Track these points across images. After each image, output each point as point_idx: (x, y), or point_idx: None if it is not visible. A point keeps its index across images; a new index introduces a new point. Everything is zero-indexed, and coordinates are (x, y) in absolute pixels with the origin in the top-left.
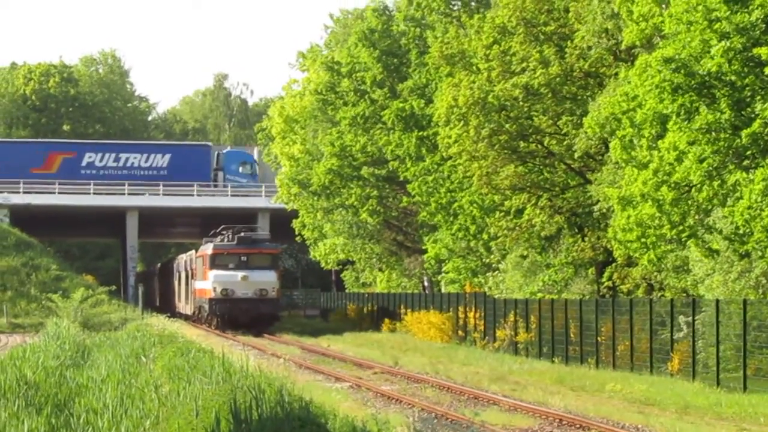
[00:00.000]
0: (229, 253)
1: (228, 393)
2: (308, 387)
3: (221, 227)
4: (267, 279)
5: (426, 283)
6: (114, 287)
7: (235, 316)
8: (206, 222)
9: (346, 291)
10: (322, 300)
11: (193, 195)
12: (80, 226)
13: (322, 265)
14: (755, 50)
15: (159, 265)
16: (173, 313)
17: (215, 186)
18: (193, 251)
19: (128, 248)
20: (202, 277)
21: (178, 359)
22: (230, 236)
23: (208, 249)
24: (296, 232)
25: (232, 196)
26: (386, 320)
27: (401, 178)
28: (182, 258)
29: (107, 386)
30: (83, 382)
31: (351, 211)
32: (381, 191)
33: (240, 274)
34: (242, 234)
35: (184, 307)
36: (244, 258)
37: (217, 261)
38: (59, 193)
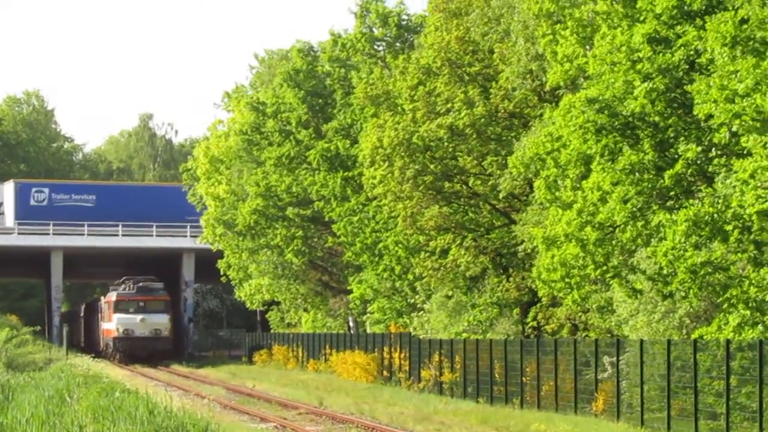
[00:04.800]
0: (130, 300)
1: None
2: (233, 427)
3: (123, 278)
4: (161, 321)
5: (351, 324)
6: (38, 327)
7: (134, 351)
8: (131, 262)
9: (272, 331)
10: (248, 340)
11: (117, 235)
12: (4, 266)
13: (248, 305)
14: (687, 87)
15: (84, 305)
16: (98, 352)
17: None
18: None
19: (53, 288)
20: (108, 319)
21: (102, 400)
22: (131, 285)
23: (113, 296)
24: (221, 272)
25: (157, 236)
26: (311, 360)
27: (326, 219)
28: (103, 299)
29: (32, 427)
30: (8, 423)
31: (276, 251)
32: (306, 231)
33: (139, 317)
34: (141, 284)
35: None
36: (142, 304)
37: (120, 306)
38: None
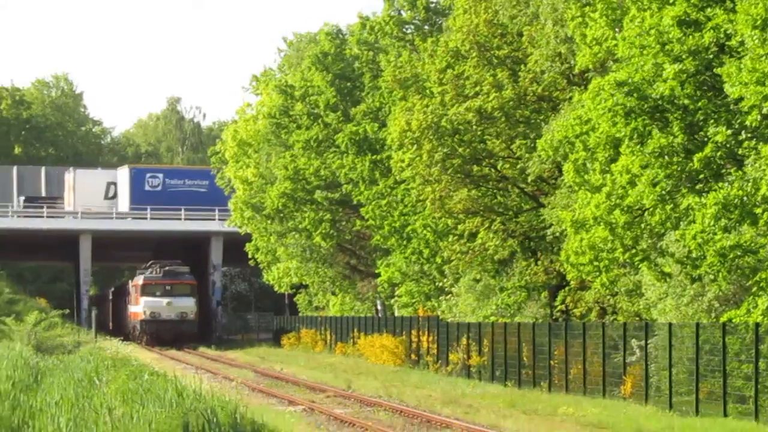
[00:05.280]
0: (157, 283)
1: (181, 416)
2: (261, 410)
3: (150, 262)
4: (187, 304)
5: (379, 307)
6: (67, 311)
7: (161, 334)
8: (159, 246)
9: (300, 314)
10: (276, 323)
11: (146, 218)
12: (33, 250)
13: (276, 288)
14: (717, 69)
15: (112, 288)
16: (126, 335)
17: None
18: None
19: (81, 272)
20: (135, 302)
21: (131, 382)
22: (158, 269)
23: (140, 280)
24: (249, 256)
25: (185, 219)
26: (339, 344)
27: (355, 202)
28: (130, 283)
29: (61, 409)
30: (37, 405)
31: (304, 234)
32: (334, 215)
33: (165, 300)
34: (167, 268)
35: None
36: (168, 287)
37: (147, 290)
38: (12, 216)
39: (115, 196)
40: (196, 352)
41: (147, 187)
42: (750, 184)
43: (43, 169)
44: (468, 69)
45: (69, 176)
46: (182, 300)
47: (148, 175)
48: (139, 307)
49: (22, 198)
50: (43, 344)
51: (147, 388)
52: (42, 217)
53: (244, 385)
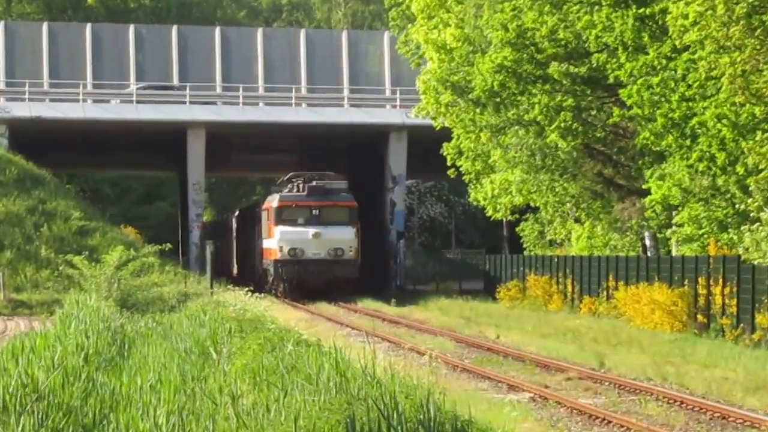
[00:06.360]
0: (298, 206)
1: (344, 408)
2: (467, 399)
3: (289, 174)
4: (343, 236)
5: (648, 242)
6: (168, 246)
7: (304, 280)
8: (311, 146)
9: (526, 253)
10: (488, 267)
11: (290, 105)
12: (117, 153)
13: (489, 213)
14: None
15: (236, 212)
16: (258, 283)
17: None
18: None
19: (190, 186)
20: (267, 234)
21: (266, 356)
22: (300, 185)
23: (274, 200)
24: (448, 163)
25: (350, 106)
26: (586, 298)
27: (610, 80)
28: (262, 205)
29: (159, 397)
30: (122, 391)
31: (533, 130)
32: (579, 99)
33: (311, 230)
34: (314, 182)
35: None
36: (315, 211)
37: (284, 215)
38: (84, 101)
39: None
40: (357, 308)
41: None
42: None
43: (132, 28)
44: None
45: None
46: (336, 230)
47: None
48: (273, 242)
49: (136, 85)
50: (130, 298)
51: (291, 365)
52: (130, 102)
53: (441, 360)
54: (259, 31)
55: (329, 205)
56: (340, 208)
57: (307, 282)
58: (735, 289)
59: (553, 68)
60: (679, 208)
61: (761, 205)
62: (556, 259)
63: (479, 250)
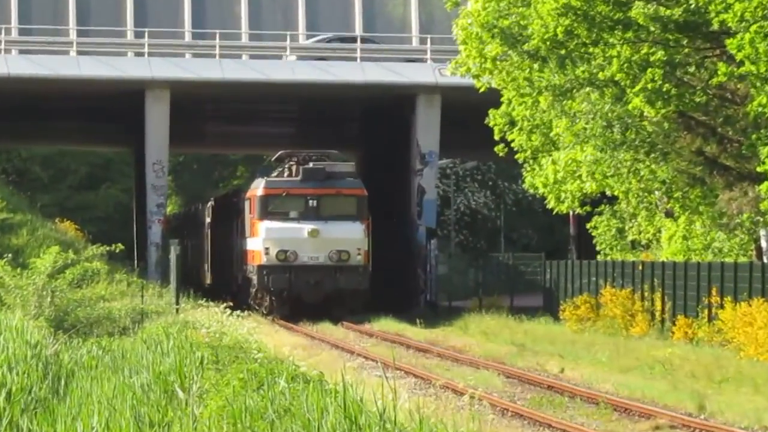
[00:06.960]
0: (290, 195)
1: None
2: None
3: (279, 152)
4: (348, 235)
5: (764, 244)
6: (120, 247)
7: (297, 293)
8: (311, 114)
9: (599, 259)
10: (549, 276)
11: (284, 58)
12: (51, 122)
13: (550, 204)
14: None
15: (210, 202)
16: (237, 295)
17: None
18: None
19: (149, 167)
20: (250, 232)
21: (251, 395)
22: (293, 168)
23: (259, 187)
24: (496, 137)
25: (362, 60)
26: (681, 319)
27: (714, 26)
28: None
29: None
30: None
31: (610, 92)
32: (672, 52)
33: (307, 227)
34: (312, 164)
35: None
36: (312, 202)
37: (271, 207)
38: (8, 51)
39: None
40: (381, 331)
41: None
42: None
43: None
44: None
45: None
46: (340, 227)
47: None
48: (257, 241)
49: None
50: (69, 315)
51: (284, 408)
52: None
53: (486, 402)
54: None
55: (331, 194)
56: (345, 197)
57: (301, 295)
58: None
59: (638, 9)
60: None
61: None
62: (640, 267)
63: (537, 254)
